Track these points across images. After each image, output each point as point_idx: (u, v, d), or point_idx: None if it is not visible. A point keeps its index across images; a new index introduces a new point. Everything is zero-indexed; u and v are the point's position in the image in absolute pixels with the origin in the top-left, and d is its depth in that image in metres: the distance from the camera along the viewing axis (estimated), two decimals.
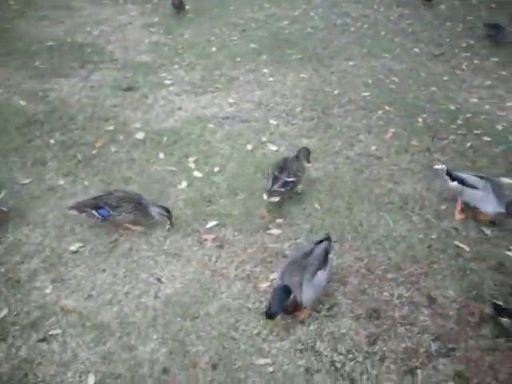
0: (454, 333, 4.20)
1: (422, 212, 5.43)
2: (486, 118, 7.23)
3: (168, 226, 5.19)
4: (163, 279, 4.69)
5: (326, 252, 4.33)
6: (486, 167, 6.13)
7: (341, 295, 4.50)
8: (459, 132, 6.86)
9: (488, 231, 5.20)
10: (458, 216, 5.36)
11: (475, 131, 6.88)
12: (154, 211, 5.12)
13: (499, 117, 7.29)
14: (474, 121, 7.15)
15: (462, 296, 4.50)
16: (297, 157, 5.67)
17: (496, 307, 4.20)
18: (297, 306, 4.12)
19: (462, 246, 5.01)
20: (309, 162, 5.74)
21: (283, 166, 5.50)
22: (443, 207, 5.50)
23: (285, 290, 4.01)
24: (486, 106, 7.58)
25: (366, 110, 7.36)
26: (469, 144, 6.59)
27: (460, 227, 5.24)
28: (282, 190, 5.39)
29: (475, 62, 9.10)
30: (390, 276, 4.69)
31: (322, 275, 4.21)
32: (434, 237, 5.12)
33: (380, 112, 7.31)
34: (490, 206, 5.12)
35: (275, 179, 5.43)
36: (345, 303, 4.43)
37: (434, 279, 4.66)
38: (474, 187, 5.18)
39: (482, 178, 5.26)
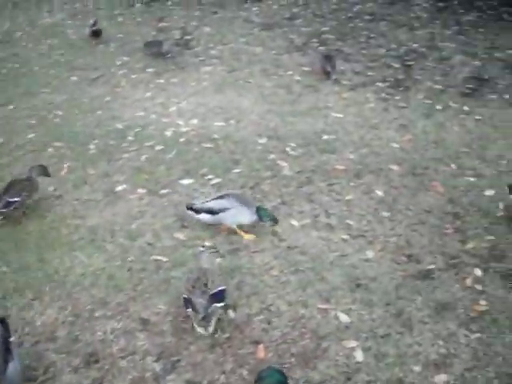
0: (173, 345, 4.22)
1: (113, 238, 5.36)
2: (155, 128, 7.43)
3: None
4: None
5: (5, 338, 3.79)
6: (165, 174, 6.31)
7: (53, 353, 4.20)
8: (132, 149, 6.94)
9: (181, 235, 5.34)
10: (247, 236, 5.33)
11: (147, 143, 7.02)
12: None
13: (166, 124, 7.56)
14: (143, 134, 7.30)
15: (172, 306, 4.53)
16: (29, 177, 5.63)
17: (185, 300, 4.28)
18: None
19: (159, 258, 5.06)
20: (48, 175, 5.95)
21: (8, 187, 5.46)
22: (133, 226, 5.50)
23: None
24: (152, 116, 7.81)
25: (35, 152, 7.02)
26: (144, 157, 6.70)
27: (153, 241, 5.30)
28: (4, 210, 5.36)
29: (132, 76, 9.31)
30: (98, 314, 4.51)
31: (14, 365, 3.71)
32: (132, 259, 5.08)
33: (50, 150, 7.04)
34: (246, 218, 5.22)
35: None
36: (59, 359, 4.15)
37: (142, 300, 4.62)
38: (224, 210, 5.20)
39: (222, 197, 5.32)
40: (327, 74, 8.67)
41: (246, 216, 5.21)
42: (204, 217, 5.30)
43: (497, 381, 3.89)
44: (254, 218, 5.20)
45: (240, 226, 5.33)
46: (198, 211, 5.31)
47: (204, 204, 5.32)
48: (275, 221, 5.20)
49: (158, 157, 6.70)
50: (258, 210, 5.19)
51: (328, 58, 8.82)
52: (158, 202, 5.87)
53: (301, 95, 8.31)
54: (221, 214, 5.23)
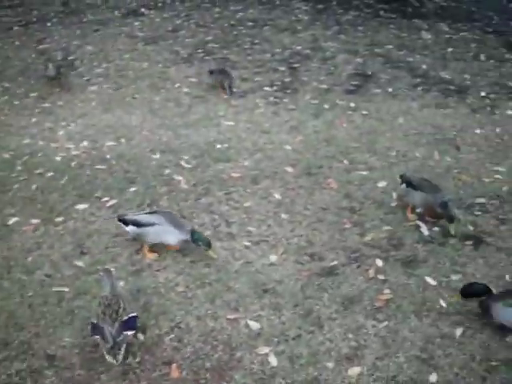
0: (84, 378, 4.07)
1: (10, 274, 5.08)
2: (44, 155, 7.16)
3: None
4: None
5: None
6: (59, 202, 6.10)
7: None
8: (22, 178, 6.64)
9: (81, 263, 5.17)
10: (150, 255, 5.20)
11: (37, 171, 6.75)
12: None
13: (55, 149, 7.29)
14: (32, 162, 7.01)
15: (79, 337, 4.38)
16: None
17: (92, 326, 4.15)
18: None
19: (60, 289, 4.87)
20: None
21: None
22: (30, 259, 5.27)
23: None
24: (40, 143, 7.51)
25: None
26: (34, 186, 6.44)
27: (52, 272, 5.09)
28: None
29: (15, 103, 8.93)
30: (0, 356, 4.26)
31: None
32: (32, 293, 4.86)
33: None
34: (172, 237, 5.07)
35: None
36: None
37: (47, 335, 4.43)
38: (150, 225, 5.07)
39: (153, 212, 5.24)
40: (225, 89, 8.60)
41: (171, 235, 5.09)
42: (131, 229, 5.20)
43: (406, 365, 4.02)
44: (182, 237, 5.07)
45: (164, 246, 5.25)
46: (126, 223, 5.21)
47: (133, 216, 5.26)
48: (209, 245, 5.06)
49: (50, 184, 6.47)
50: (193, 233, 5.06)
51: (225, 73, 8.74)
52: (54, 230, 5.66)
53: (191, 107, 8.30)
54: (145, 229, 5.13)
